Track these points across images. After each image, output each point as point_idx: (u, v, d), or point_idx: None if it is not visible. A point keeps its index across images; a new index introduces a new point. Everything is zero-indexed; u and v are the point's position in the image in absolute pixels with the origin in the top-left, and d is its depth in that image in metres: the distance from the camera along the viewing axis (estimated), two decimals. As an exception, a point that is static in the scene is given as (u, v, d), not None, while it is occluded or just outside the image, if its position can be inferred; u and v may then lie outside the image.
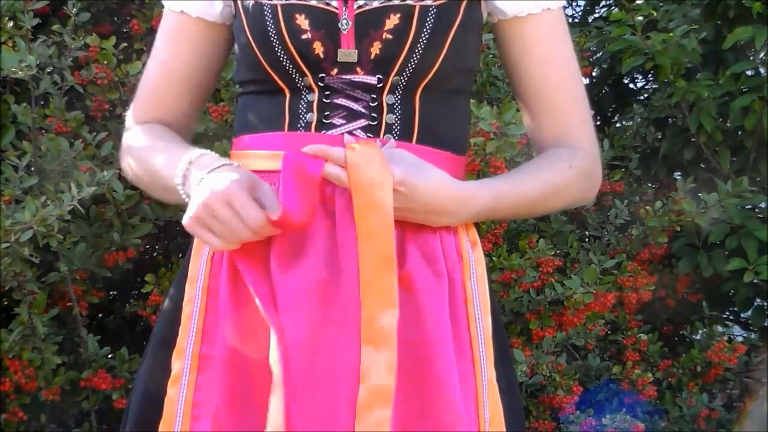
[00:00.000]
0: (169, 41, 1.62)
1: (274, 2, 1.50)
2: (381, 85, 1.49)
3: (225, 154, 1.55)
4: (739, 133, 3.47)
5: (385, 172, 1.39)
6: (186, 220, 1.41)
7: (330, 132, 1.49)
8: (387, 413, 1.36)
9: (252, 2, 1.52)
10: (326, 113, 1.50)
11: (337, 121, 1.50)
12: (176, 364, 1.47)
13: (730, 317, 3.94)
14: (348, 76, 1.49)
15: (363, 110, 1.50)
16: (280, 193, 1.42)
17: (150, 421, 1.48)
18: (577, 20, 4.20)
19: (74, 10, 2.66)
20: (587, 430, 3.15)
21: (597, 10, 4.21)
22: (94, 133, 2.70)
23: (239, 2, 1.55)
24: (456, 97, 1.55)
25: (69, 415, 3.08)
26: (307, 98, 1.51)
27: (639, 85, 4.14)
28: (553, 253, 3.11)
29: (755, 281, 3.30)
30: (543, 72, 1.57)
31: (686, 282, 3.51)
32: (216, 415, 1.42)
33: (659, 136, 3.58)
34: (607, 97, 3.93)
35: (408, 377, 1.40)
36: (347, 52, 1.48)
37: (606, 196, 3.43)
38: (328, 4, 1.49)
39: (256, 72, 1.53)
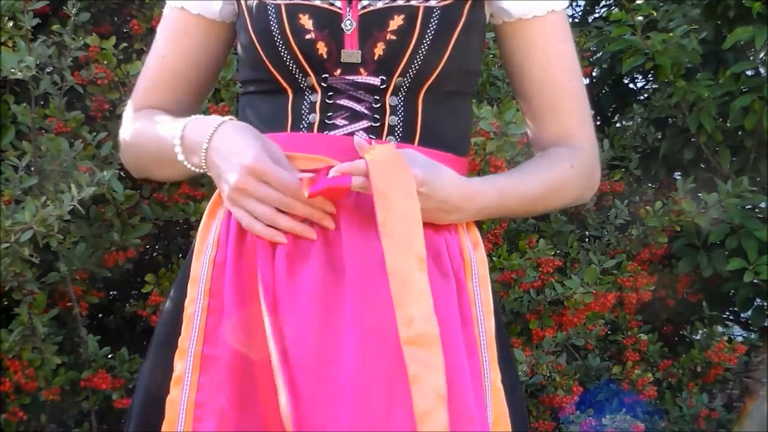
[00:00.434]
0: (169, 37, 1.63)
1: (278, 2, 1.50)
2: (384, 86, 1.49)
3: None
4: (739, 133, 3.47)
5: (409, 175, 1.40)
6: (226, 203, 1.46)
7: (332, 133, 1.49)
8: (446, 414, 1.36)
9: (256, 2, 1.52)
10: (329, 114, 1.50)
11: (339, 121, 1.50)
12: (178, 365, 1.47)
13: (730, 317, 3.94)
14: (351, 77, 1.49)
15: (366, 111, 1.50)
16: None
17: (152, 422, 1.48)
18: (577, 20, 4.19)
19: (74, 10, 2.65)
20: (587, 430, 3.15)
21: (597, 10, 4.21)
22: (94, 133, 2.69)
23: (242, 1, 1.55)
24: (458, 98, 1.55)
25: (69, 415, 3.08)
26: (310, 99, 1.51)
27: (639, 85, 4.14)
28: (553, 253, 3.11)
29: (755, 281, 3.30)
30: (546, 73, 1.57)
31: (686, 282, 3.51)
32: (221, 415, 1.42)
33: (659, 136, 3.58)
34: (607, 97, 3.92)
35: None
36: (350, 53, 1.48)
37: (606, 196, 3.43)
38: (332, 5, 1.49)
39: (259, 71, 1.52)
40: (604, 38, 3.53)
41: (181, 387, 1.46)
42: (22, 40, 2.52)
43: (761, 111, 3.27)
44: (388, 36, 1.48)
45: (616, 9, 3.53)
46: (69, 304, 2.77)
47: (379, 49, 1.48)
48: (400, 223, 1.38)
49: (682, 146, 3.53)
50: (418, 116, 1.50)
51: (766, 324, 3.57)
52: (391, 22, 1.48)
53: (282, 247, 1.44)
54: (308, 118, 1.50)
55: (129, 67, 2.72)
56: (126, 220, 2.80)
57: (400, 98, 1.50)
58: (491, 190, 1.50)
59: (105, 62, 2.74)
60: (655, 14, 3.36)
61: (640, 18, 3.24)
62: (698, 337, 3.49)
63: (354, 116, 1.50)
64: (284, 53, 1.49)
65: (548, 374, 3.07)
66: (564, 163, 1.56)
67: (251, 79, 1.56)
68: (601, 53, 3.73)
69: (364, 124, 1.50)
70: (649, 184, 3.74)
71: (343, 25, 1.49)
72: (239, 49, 1.58)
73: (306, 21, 1.48)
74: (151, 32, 2.84)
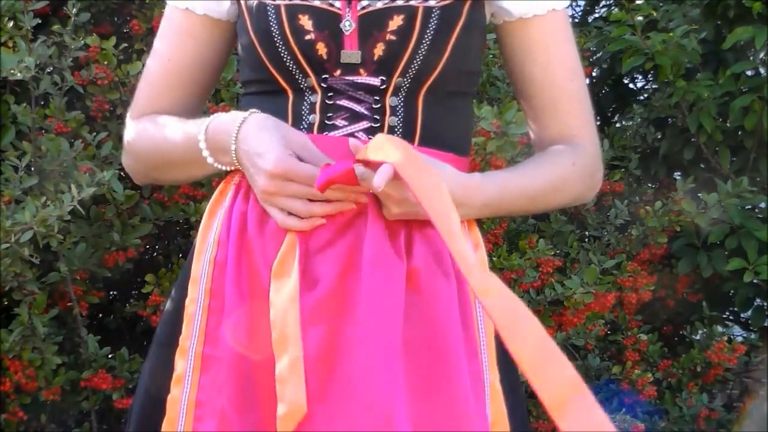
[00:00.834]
0: (173, 39, 1.61)
1: (278, 2, 1.50)
2: (384, 86, 1.49)
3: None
4: (739, 133, 3.47)
5: (434, 171, 1.38)
6: (261, 202, 1.46)
7: (332, 134, 1.49)
8: None
9: (256, 2, 1.52)
10: (329, 115, 1.50)
11: (339, 122, 1.50)
12: (179, 364, 1.47)
13: (730, 317, 3.94)
14: (351, 78, 1.49)
15: (366, 112, 1.49)
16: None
17: (153, 422, 1.48)
18: (577, 20, 4.19)
19: (74, 11, 2.65)
20: (587, 430, 3.14)
21: (597, 10, 4.21)
22: (94, 134, 2.69)
23: (243, 2, 1.54)
24: (458, 98, 1.55)
25: (69, 415, 3.08)
26: (309, 99, 1.51)
27: (639, 85, 4.14)
28: (553, 253, 3.11)
29: (755, 281, 3.30)
30: (547, 73, 1.57)
31: (686, 282, 3.51)
32: (222, 415, 1.42)
33: (659, 136, 3.58)
34: (607, 97, 3.92)
35: (419, 378, 1.40)
36: (350, 54, 1.48)
37: (606, 196, 3.42)
38: (331, 5, 1.49)
39: (259, 72, 1.52)
40: (604, 38, 3.53)
41: (181, 386, 1.46)
42: (22, 40, 2.52)
43: (761, 111, 3.27)
44: (388, 36, 1.48)
45: (616, 9, 3.53)
46: (69, 304, 2.77)
47: (379, 50, 1.48)
48: (450, 218, 1.35)
49: (682, 146, 3.53)
50: (418, 116, 1.50)
51: (766, 324, 3.57)
52: (390, 23, 1.48)
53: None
54: (308, 119, 1.50)
55: (129, 68, 2.72)
56: (126, 220, 2.80)
57: (399, 98, 1.50)
58: (492, 186, 1.50)
59: (105, 62, 2.74)
60: (655, 14, 3.36)
61: (640, 18, 3.24)
62: (698, 337, 3.49)
63: (354, 117, 1.50)
64: (284, 54, 1.49)
65: (548, 374, 3.06)
66: (566, 160, 1.56)
67: (252, 80, 1.56)
68: (601, 53, 3.73)
69: (364, 124, 1.50)
70: (649, 184, 3.74)
71: (342, 26, 1.49)
72: (240, 49, 1.58)
73: (306, 21, 1.48)
74: (151, 32, 2.84)
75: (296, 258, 1.43)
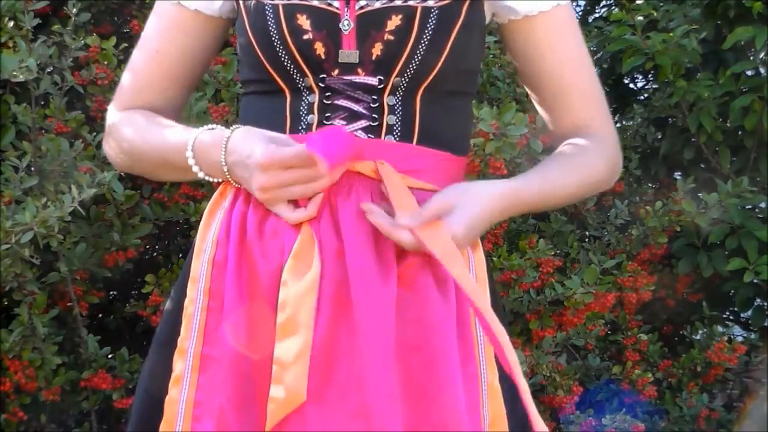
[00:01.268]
0: (162, 31, 1.61)
1: (276, 2, 1.50)
2: (382, 86, 1.49)
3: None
4: (739, 133, 3.47)
5: (452, 243, 1.41)
6: (267, 206, 1.46)
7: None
8: None
9: (254, 2, 1.52)
10: (327, 114, 1.50)
11: (337, 122, 1.50)
12: (178, 365, 1.47)
13: (730, 317, 3.94)
14: (349, 77, 1.49)
15: (364, 111, 1.49)
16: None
17: (153, 422, 1.48)
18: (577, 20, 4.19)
19: (74, 11, 2.66)
20: (587, 430, 3.15)
21: (597, 10, 4.21)
22: (95, 134, 2.70)
23: (241, 2, 1.54)
24: (457, 98, 1.55)
25: (69, 415, 3.09)
26: (308, 99, 1.50)
27: (639, 85, 4.14)
28: (553, 253, 3.12)
29: (755, 281, 3.31)
30: (556, 68, 1.58)
31: (686, 282, 3.51)
32: (220, 415, 1.42)
33: (659, 136, 3.59)
34: (607, 97, 3.87)
35: (411, 381, 1.40)
36: (348, 53, 1.48)
37: (606, 196, 3.43)
38: (329, 5, 1.49)
39: (258, 72, 1.52)
40: (604, 38, 3.53)
41: (180, 386, 1.46)
42: (22, 40, 2.53)
43: (761, 111, 3.27)
44: (386, 36, 1.48)
45: (616, 9, 3.54)
46: (69, 304, 2.77)
47: (377, 49, 1.48)
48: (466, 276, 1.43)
49: (682, 146, 3.54)
50: (416, 116, 1.50)
51: (766, 324, 3.57)
52: (389, 22, 1.47)
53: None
54: (306, 119, 1.50)
55: (129, 68, 2.72)
56: (126, 220, 2.81)
57: (398, 98, 1.50)
58: (528, 195, 1.51)
59: (105, 62, 2.74)
60: (655, 14, 3.36)
61: (640, 18, 3.24)
62: (698, 337, 3.49)
63: (352, 116, 1.49)
64: (282, 54, 1.49)
65: (548, 374, 3.07)
66: (596, 158, 1.58)
67: (251, 80, 1.56)
68: (601, 53, 3.73)
69: (362, 123, 1.49)
70: (649, 184, 3.74)
71: (340, 26, 1.49)
72: (238, 49, 1.58)
73: (304, 21, 1.48)
74: (151, 33, 2.84)
75: (315, 247, 1.43)
